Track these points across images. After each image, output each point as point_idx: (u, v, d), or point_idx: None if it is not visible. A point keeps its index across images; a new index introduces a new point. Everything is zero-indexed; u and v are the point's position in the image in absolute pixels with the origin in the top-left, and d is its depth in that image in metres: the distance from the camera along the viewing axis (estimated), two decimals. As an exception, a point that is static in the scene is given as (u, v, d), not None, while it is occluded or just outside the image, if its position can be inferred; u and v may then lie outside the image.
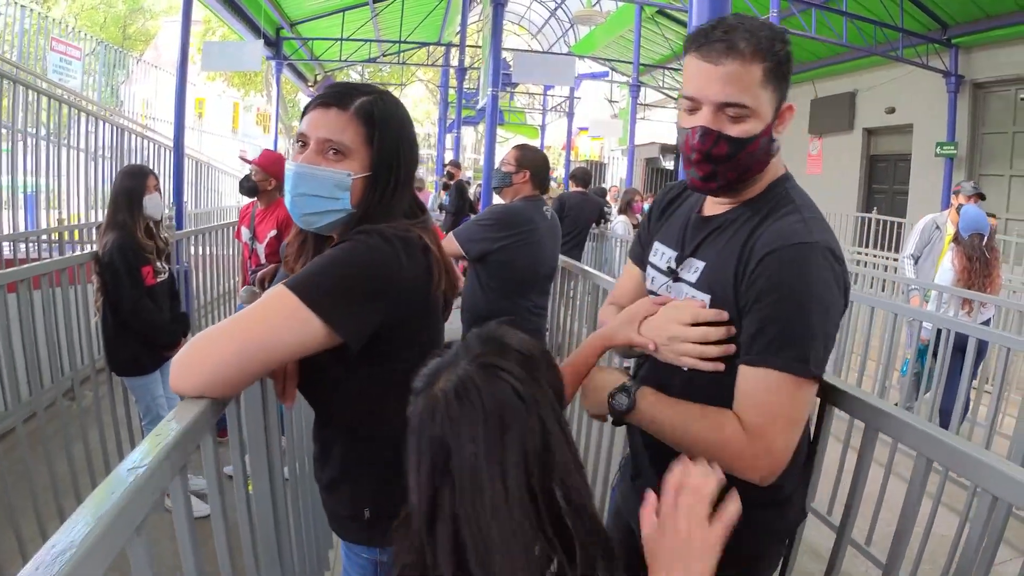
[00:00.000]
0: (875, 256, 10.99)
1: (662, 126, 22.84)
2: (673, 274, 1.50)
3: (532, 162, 3.61)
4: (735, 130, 1.32)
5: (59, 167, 6.97)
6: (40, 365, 3.62)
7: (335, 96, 1.38)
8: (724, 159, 1.34)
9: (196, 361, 1.18)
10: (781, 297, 1.26)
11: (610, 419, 1.46)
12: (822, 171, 14.88)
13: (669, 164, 23.18)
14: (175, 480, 1.10)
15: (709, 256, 1.42)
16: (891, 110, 12.77)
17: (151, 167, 9.10)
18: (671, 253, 1.53)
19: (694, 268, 1.44)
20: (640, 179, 24.41)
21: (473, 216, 5.06)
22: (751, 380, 1.28)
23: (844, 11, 10.64)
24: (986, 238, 5.09)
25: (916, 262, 5.85)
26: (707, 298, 1.39)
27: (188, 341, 1.21)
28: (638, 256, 1.72)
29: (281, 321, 1.21)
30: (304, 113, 1.41)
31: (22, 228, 6.34)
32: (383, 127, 1.38)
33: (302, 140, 1.39)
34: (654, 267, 1.59)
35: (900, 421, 1.38)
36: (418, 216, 1.48)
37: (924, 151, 11.94)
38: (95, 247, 3.73)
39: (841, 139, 14.23)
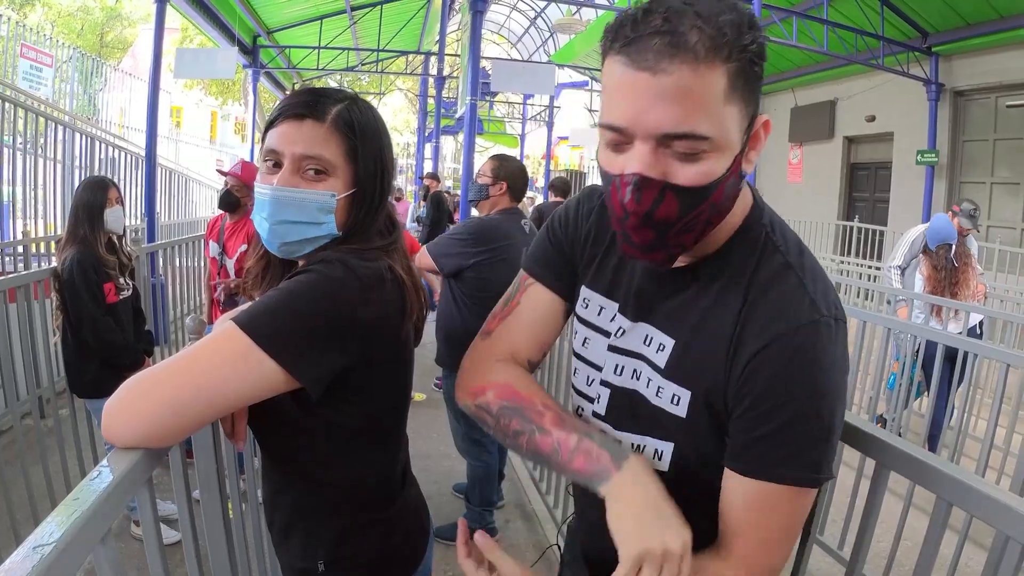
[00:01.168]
0: (857, 265, 11.00)
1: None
2: (612, 347, 1.12)
3: (510, 174, 3.48)
4: (689, 174, 0.87)
5: (32, 177, 6.84)
6: (16, 380, 3.53)
7: (307, 105, 1.19)
8: (673, 221, 0.91)
9: (130, 409, 1.02)
10: (788, 400, 0.92)
11: None
12: (803, 179, 14.92)
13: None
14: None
15: (680, 333, 1.02)
16: (871, 118, 12.82)
17: (126, 177, 9.07)
18: (615, 312, 1.12)
19: (658, 345, 1.04)
20: (621, 188, 24.38)
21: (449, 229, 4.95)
22: (750, 496, 0.96)
23: (825, 19, 10.71)
24: (954, 247, 5.17)
25: (903, 273, 5.81)
26: (687, 394, 1.00)
27: (123, 384, 1.04)
28: (551, 267, 1.22)
29: (230, 365, 1.04)
30: (271, 125, 1.21)
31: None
32: (365, 137, 1.22)
33: (273, 158, 1.19)
34: (588, 325, 1.17)
35: (917, 461, 1.25)
36: (390, 233, 1.30)
37: (905, 159, 11.99)
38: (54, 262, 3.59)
39: (822, 147, 14.26)
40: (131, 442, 1.02)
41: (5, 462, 3.17)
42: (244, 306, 1.15)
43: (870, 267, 10.51)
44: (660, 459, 1.05)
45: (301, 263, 1.24)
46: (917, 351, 4.44)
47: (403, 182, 29.36)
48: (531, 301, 1.22)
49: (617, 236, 1.00)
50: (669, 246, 0.94)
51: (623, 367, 1.09)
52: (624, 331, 1.09)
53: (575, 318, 1.20)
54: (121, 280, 3.54)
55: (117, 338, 3.44)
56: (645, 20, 0.84)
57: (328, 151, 1.18)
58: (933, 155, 11.28)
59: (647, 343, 1.06)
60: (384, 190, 1.27)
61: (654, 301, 1.06)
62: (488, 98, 23.79)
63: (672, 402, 1.02)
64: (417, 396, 5.82)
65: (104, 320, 3.39)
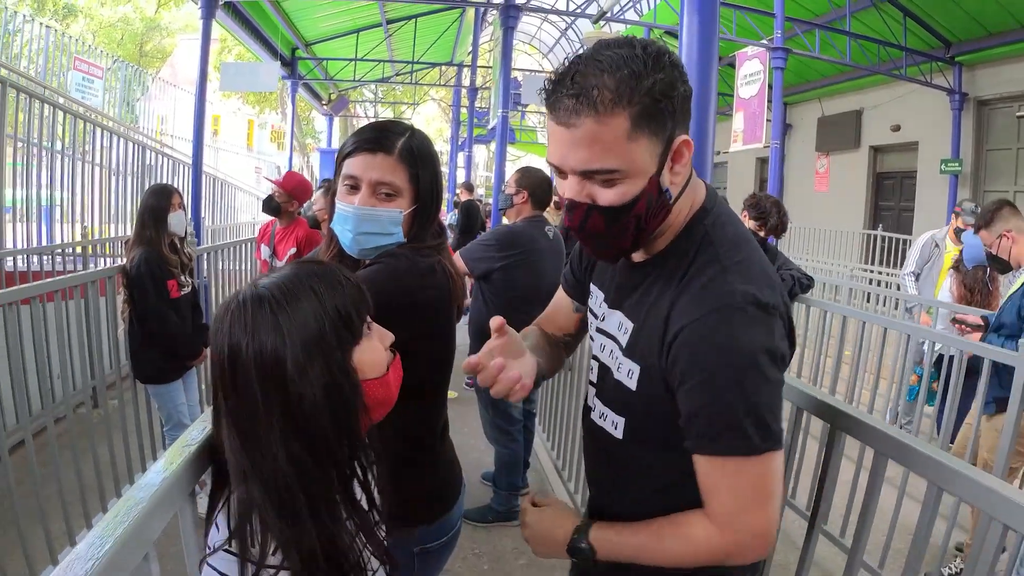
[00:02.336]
0: (880, 273, 11.03)
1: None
2: (598, 329, 1.38)
3: (531, 183, 3.81)
4: (608, 196, 1.10)
5: (77, 181, 7.18)
6: (74, 370, 3.83)
7: (378, 141, 1.50)
8: (604, 232, 1.15)
9: None
10: (705, 379, 1.08)
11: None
12: (829, 189, 14.97)
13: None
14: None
15: (636, 316, 1.23)
16: (897, 128, 12.86)
17: (170, 183, 9.42)
18: (601, 301, 1.38)
19: (623, 328, 1.26)
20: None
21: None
22: (705, 468, 1.12)
23: (848, 31, 10.79)
24: (989, 270, 4.91)
25: (917, 279, 5.92)
26: (637, 368, 1.20)
27: None
28: (570, 284, 1.61)
29: None
30: (348, 155, 1.52)
31: (34, 242, 6.54)
32: (424, 165, 1.54)
33: (351, 182, 1.51)
34: (591, 312, 1.45)
35: (910, 449, 1.40)
36: (439, 237, 1.64)
37: (929, 168, 12.01)
38: (122, 261, 3.92)
39: (848, 157, 14.31)
40: None
41: (60, 448, 3.36)
42: None
43: (891, 275, 10.54)
44: (616, 429, 1.29)
45: (367, 261, 1.58)
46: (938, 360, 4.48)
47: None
48: (556, 301, 1.66)
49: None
50: (611, 248, 1.19)
51: (604, 345, 1.32)
52: (604, 316, 1.34)
53: (590, 313, 1.47)
54: (183, 278, 3.87)
55: (179, 330, 3.77)
56: (561, 82, 1.07)
57: (397, 178, 1.50)
58: (957, 164, 11.31)
59: (619, 328, 1.27)
60: (438, 204, 1.60)
61: (624, 292, 1.29)
62: (520, 108, 24.06)
63: (628, 376, 1.23)
64: (451, 394, 6.10)
65: (168, 313, 3.71)
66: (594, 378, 1.38)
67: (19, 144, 6.52)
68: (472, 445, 4.75)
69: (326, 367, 1.03)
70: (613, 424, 1.29)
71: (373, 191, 1.50)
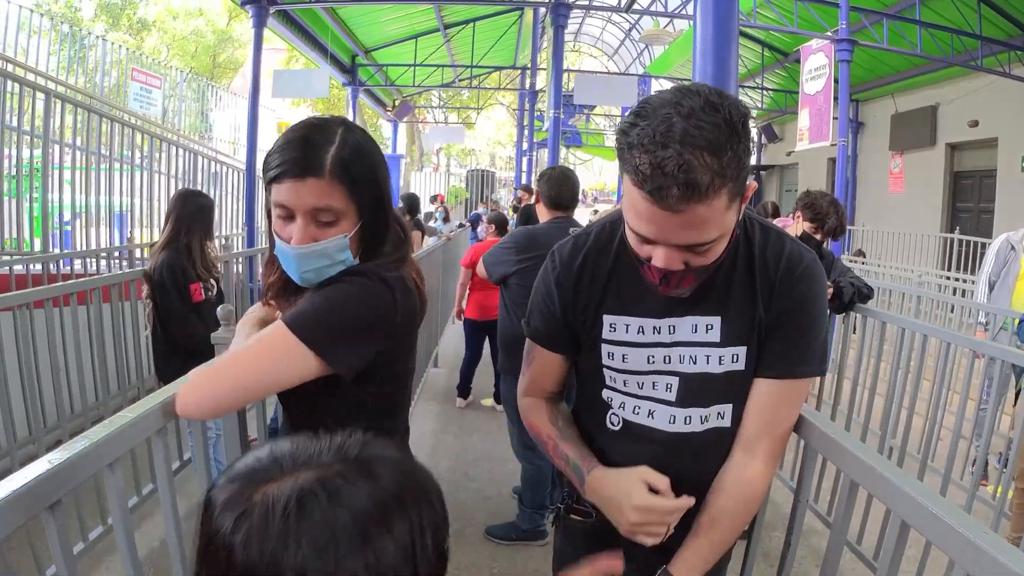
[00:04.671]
0: (957, 281, 10.37)
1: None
2: (671, 343, 1.40)
3: (542, 183, 3.62)
4: (703, 259, 1.21)
5: (135, 190, 7.41)
6: (107, 373, 3.85)
7: (304, 163, 1.31)
8: (695, 284, 1.27)
9: (199, 392, 1.31)
10: (803, 313, 1.33)
11: None
12: (904, 190, 14.35)
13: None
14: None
15: (719, 310, 1.36)
16: (974, 123, 12.24)
17: (232, 190, 9.72)
18: (654, 322, 1.39)
19: (708, 326, 1.37)
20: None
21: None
22: (778, 391, 1.35)
23: (918, 20, 10.32)
24: None
25: (992, 287, 5.51)
26: (743, 350, 1.36)
27: (194, 369, 1.34)
28: (553, 343, 1.52)
29: (279, 357, 1.30)
30: (274, 179, 1.33)
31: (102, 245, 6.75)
32: (362, 176, 1.36)
33: (284, 212, 1.34)
34: (617, 343, 1.43)
35: (879, 475, 1.23)
36: (400, 248, 1.50)
37: (1010, 166, 11.42)
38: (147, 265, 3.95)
39: (923, 155, 13.71)
40: (199, 415, 1.34)
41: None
42: (294, 308, 1.38)
43: (964, 280, 9.92)
44: (723, 418, 1.40)
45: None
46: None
47: (503, 194, 29.78)
48: (543, 362, 1.55)
49: (649, 280, 1.29)
50: (690, 287, 1.28)
51: (682, 356, 1.38)
52: (674, 328, 1.38)
53: (606, 343, 1.44)
54: (210, 281, 3.86)
55: (201, 333, 3.75)
56: (662, 166, 1.05)
57: (334, 200, 1.33)
58: (1040, 161, 10.70)
59: (695, 331, 1.37)
60: (386, 211, 1.44)
61: (688, 300, 1.34)
62: (585, 111, 23.87)
63: (733, 361, 1.37)
64: (485, 401, 6.00)
65: (189, 316, 3.70)
66: (671, 396, 1.41)
67: (78, 153, 6.76)
68: (507, 456, 4.59)
69: None
70: (719, 415, 1.40)
71: (310, 220, 1.34)
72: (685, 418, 1.40)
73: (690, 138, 1.05)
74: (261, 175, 1.42)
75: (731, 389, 1.39)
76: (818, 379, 4.97)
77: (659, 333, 1.39)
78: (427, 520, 0.68)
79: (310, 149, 1.32)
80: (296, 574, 0.61)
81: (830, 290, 3.75)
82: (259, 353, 1.31)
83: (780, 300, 1.33)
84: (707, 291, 1.35)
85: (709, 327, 1.36)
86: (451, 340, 8.37)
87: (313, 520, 0.63)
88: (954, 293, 8.45)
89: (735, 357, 1.37)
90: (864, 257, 11.34)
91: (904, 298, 7.27)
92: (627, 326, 1.41)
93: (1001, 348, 3.74)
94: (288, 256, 1.36)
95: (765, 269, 1.34)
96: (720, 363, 1.37)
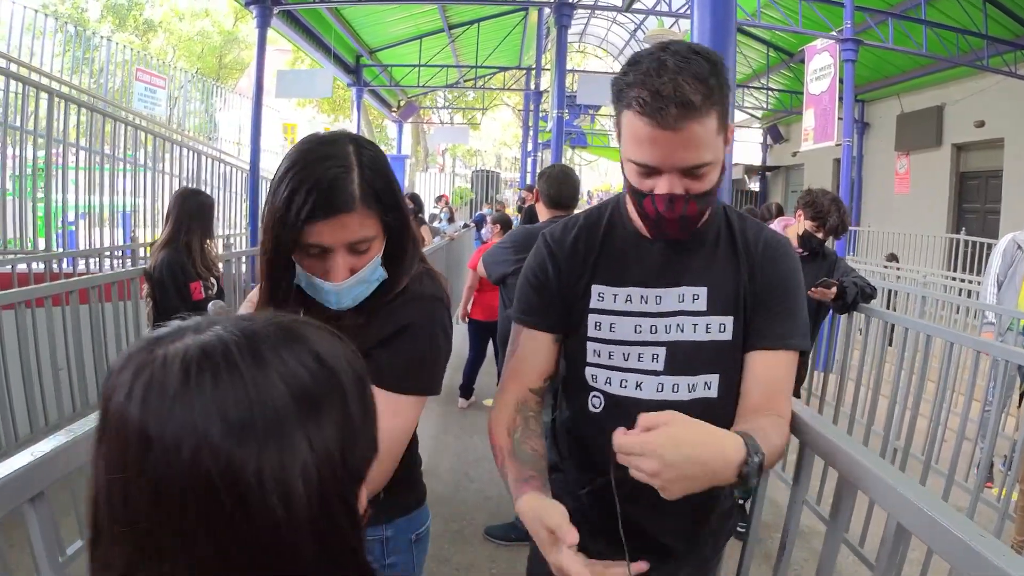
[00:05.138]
0: (963, 282, 10.33)
1: (745, 147, 22.39)
2: (656, 313, 1.42)
3: (541, 181, 3.62)
4: (703, 185, 1.29)
5: (146, 191, 7.44)
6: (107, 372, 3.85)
7: (331, 203, 1.26)
8: (697, 215, 1.33)
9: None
10: (787, 289, 1.41)
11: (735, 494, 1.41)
12: (909, 190, 14.29)
13: (754, 186, 22.64)
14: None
15: (705, 280, 1.42)
16: (980, 124, 12.17)
17: (236, 190, 9.74)
18: (641, 291, 1.43)
19: (694, 296, 1.42)
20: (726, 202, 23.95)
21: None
22: (777, 362, 1.39)
23: (923, 19, 10.26)
24: None
25: (999, 287, 5.46)
26: (730, 320, 1.41)
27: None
28: (544, 318, 1.49)
29: (407, 422, 1.40)
30: (304, 222, 1.25)
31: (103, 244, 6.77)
32: (384, 194, 1.33)
33: (319, 250, 1.30)
34: (605, 312, 1.44)
35: (873, 475, 1.21)
36: (416, 248, 1.48)
37: (1017, 167, 11.35)
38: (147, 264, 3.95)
39: (929, 156, 13.65)
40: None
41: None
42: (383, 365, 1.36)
43: (967, 281, 9.86)
44: (710, 388, 1.42)
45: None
46: None
47: (509, 195, 29.78)
48: (528, 347, 1.52)
49: (646, 227, 1.40)
50: (691, 225, 1.36)
51: (669, 325, 1.42)
52: (661, 298, 1.42)
53: (594, 313, 1.46)
54: (210, 280, 3.86)
55: (200, 330, 3.76)
56: (661, 89, 1.19)
57: (367, 230, 1.31)
58: (1047, 161, 10.64)
59: (681, 300, 1.41)
60: (405, 220, 1.40)
61: (675, 270, 1.42)
62: (590, 111, 23.83)
63: (720, 331, 1.41)
64: (487, 401, 5.98)
65: (189, 315, 3.70)
66: (659, 366, 1.43)
67: (83, 153, 6.78)
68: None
69: None
70: (706, 385, 1.42)
71: (346, 253, 1.31)
72: (673, 386, 1.42)
73: (680, 70, 1.20)
74: (272, 205, 1.30)
75: (718, 359, 1.42)
76: (821, 380, 4.95)
77: (646, 303, 1.42)
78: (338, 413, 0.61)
79: (334, 184, 1.27)
80: (200, 440, 0.54)
81: (834, 290, 3.73)
82: (395, 432, 1.37)
83: (764, 275, 1.41)
84: (693, 261, 1.42)
85: (696, 296, 1.41)
86: (454, 340, 8.36)
87: (220, 378, 0.56)
88: (960, 294, 8.41)
89: (722, 327, 1.41)
90: (897, 261, 11.15)
91: (909, 298, 7.24)
92: (615, 295, 1.44)
93: (1006, 348, 3.71)
94: (328, 292, 1.33)
95: (747, 245, 1.43)
96: (707, 331, 1.41)
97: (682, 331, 1.41)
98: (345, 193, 1.26)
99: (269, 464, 0.56)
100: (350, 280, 1.32)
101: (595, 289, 1.46)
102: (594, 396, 1.47)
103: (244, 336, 0.60)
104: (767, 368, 1.39)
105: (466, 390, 6.02)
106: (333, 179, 1.26)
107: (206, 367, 0.56)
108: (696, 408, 1.32)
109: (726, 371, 1.42)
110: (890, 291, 7.14)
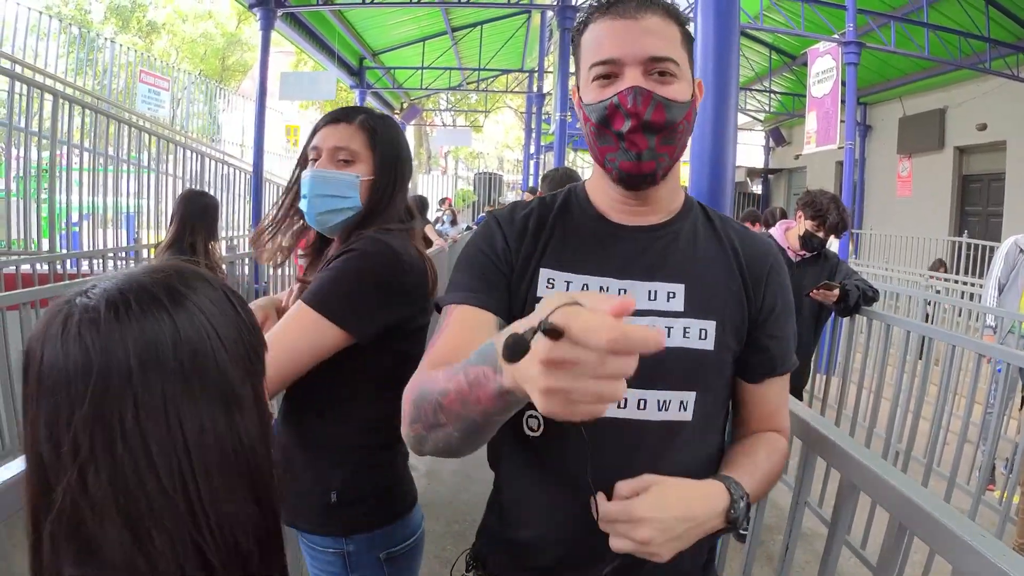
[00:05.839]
0: (965, 285, 10.29)
1: (747, 150, 22.36)
2: None
3: (547, 185, 3.64)
4: (670, 90, 1.11)
5: (149, 192, 7.46)
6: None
7: (342, 113, 1.59)
8: (662, 128, 1.10)
9: None
10: (785, 308, 1.24)
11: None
12: (912, 193, 14.27)
13: (757, 188, 22.64)
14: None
15: (683, 276, 1.16)
16: (983, 126, 12.16)
17: (239, 192, 9.77)
18: (602, 281, 1.17)
19: (665, 295, 1.15)
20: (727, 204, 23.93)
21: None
22: (776, 387, 1.25)
23: (925, 22, 10.25)
24: None
25: (1001, 290, 5.46)
26: (712, 324, 1.15)
27: None
28: (489, 296, 1.17)
29: (308, 335, 1.41)
30: (314, 132, 1.60)
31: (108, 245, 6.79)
32: (383, 135, 1.59)
33: (314, 154, 1.57)
34: None
35: (877, 477, 1.22)
36: (407, 220, 1.64)
37: (1019, 169, 11.31)
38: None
39: (931, 159, 13.61)
40: None
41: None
42: (309, 286, 1.49)
43: (967, 283, 9.82)
44: (685, 409, 1.14)
45: (335, 247, 1.58)
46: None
47: (512, 198, 29.76)
48: (459, 320, 1.16)
49: (608, 161, 1.14)
50: (657, 154, 1.12)
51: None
52: (626, 291, 1.16)
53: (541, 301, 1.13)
54: None
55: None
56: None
57: (354, 143, 1.55)
58: (1050, 164, 10.62)
59: (653, 298, 1.15)
60: (398, 180, 1.61)
61: (651, 261, 1.18)
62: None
63: (700, 337, 1.15)
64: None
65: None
66: None
67: (86, 154, 6.80)
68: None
69: None
70: (681, 405, 1.15)
71: (332, 158, 1.55)
72: (639, 402, 1.12)
73: None
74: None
75: (696, 373, 1.15)
76: (823, 382, 4.96)
77: (607, 288, 1.16)
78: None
79: (349, 109, 1.62)
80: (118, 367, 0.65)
81: (836, 292, 3.74)
82: (288, 334, 1.41)
83: (758, 289, 1.21)
84: (669, 253, 1.18)
85: (671, 295, 1.15)
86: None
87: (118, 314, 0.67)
88: (962, 297, 8.41)
89: (703, 333, 1.15)
90: (944, 268, 10.96)
91: (911, 301, 7.24)
92: (568, 283, 1.17)
93: (1008, 351, 3.72)
94: (305, 182, 1.55)
95: (732, 244, 1.22)
96: (685, 336, 1.14)
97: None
98: (351, 114, 1.59)
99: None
100: (321, 171, 1.54)
101: (543, 273, 1.18)
102: (530, 417, 1.17)
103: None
104: (767, 400, 1.25)
105: None
106: (351, 108, 1.63)
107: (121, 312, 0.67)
108: (663, 432, 1.13)
109: (705, 389, 1.17)
110: (896, 295, 7.14)
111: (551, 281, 1.18)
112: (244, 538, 0.71)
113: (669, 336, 1.13)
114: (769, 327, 1.21)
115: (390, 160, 1.59)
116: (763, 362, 1.22)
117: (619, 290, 1.16)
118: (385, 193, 1.58)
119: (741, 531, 1.58)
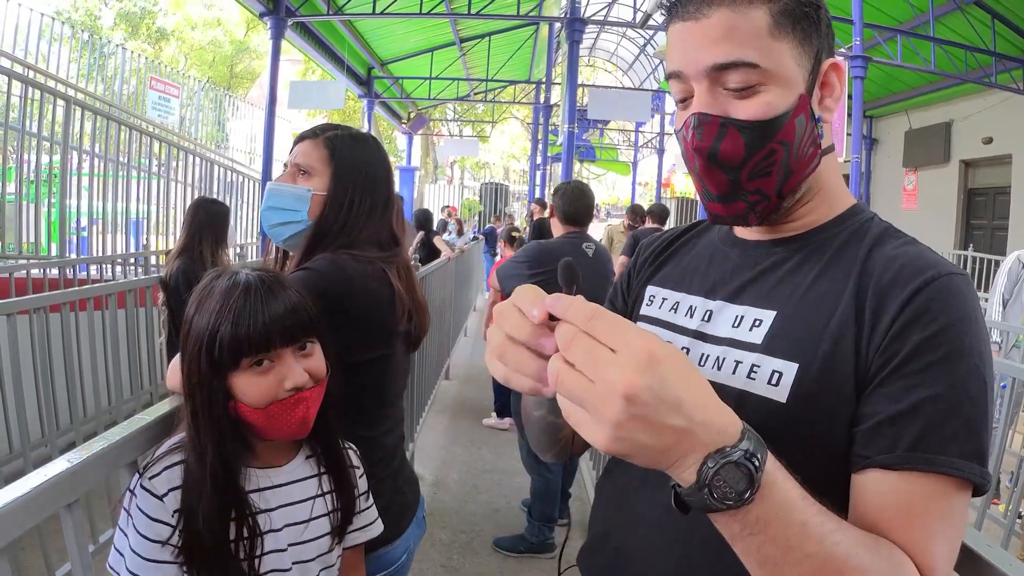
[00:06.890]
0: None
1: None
2: (697, 334, 0.98)
3: (559, 198, 3.64)
4: (748, 109, 0.85)
5: (158, 198, 7.50)
6: (121, 378, 3.88)
7: (312, 129, 1.59)
8: (741, 162, 0.87)
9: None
10: (949, 355, 0.77)
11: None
12: (917, 207, 14.27)
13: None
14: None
15: (780, 304, 0.90)
16: (988, 140, 12.20)
17: (247, 199, 9.83)
18: (692, 300, 1.02)
19: (751, 322, 0.92)
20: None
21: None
22: (905, 491, 0.75)
23: (932, 37, 10.29)
24: None
25: (1005, 305, 5.45)
26: (792, 368, 0.84)
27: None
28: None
29: None
30: (292, 147, 1.60)
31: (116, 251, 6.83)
32: (342, 152, 1.55)
33: (289, 168, 1.58)
34: (653, 321, 1.06)
35: None
36: (390, 249, 1.59)
37: (1025, 184, 11.32)
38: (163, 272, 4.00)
39: (937, 172, 13.65)
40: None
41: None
42: None
43: (983, 299, 9.86)
44: None
45: (292, 264, 1.56)
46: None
47: (518, 208, 29.81)
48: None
49: (704, 207, 0.96)
50: (746, 192, 0.90)
51: (707, 356, 0.94)
52: (712, 313, 0.97)
53: (642, 321, 1.08)
54: None
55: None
56: None
57: (312, 158, 1.54)
58: (1056, 179, 10.63)
59: (737, 324, 0.93)
60: (361, 199, 1.55)
61: (746, 281, 0.96)
62: (599, 125, 23.86)
63: (770, 382, 0.86)
64: (487, 421, 5.97)
65: (203, 323, 3.75)
66: None
67: (96, 160, 6.86)
68: (517, 470, 4.60)
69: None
70: None
71: (293, 172, 1.55)
72: None
73: None
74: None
75: (760, 431, 0.67)
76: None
77: (691, 317, 1.00)
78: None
79: (324, 126, 1.61)
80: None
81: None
82: None
83: (906, 336, 0.79)
84: (767, 275, 0.94)
85: (757, 322, 0.90)
86: (463, 353, 8.39)
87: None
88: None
89: (775, 377, 0.85)
90: None
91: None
92: (664, 300, 1.06)
93: (1012, 366, 3.73)
94: (265, 195, 1.57)
95: (875, 272, 0.86)
96: (751, 376, 0.87)
97: (719, 369, 0.92)
98: (322, 131, 1.58)
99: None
100: (275, 183, 1.56)
101: (649, 291, 1.10)
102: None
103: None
104: (893, 493, 0.76)
105: (501, 408, 5.63)
106: (328, 125, 1.62)
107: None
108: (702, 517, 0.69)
109: (775, 447, 0.68)
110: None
111: (652, 297, 1.09)
112: None
113: (734, 374, 0.89)
114: (890, 385, 0.79)
115: (349, 178, 1.53)
116: (870, 440, 0.79)
117: (706, 312, 0.98)
118: (340, 213, 1.52)
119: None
